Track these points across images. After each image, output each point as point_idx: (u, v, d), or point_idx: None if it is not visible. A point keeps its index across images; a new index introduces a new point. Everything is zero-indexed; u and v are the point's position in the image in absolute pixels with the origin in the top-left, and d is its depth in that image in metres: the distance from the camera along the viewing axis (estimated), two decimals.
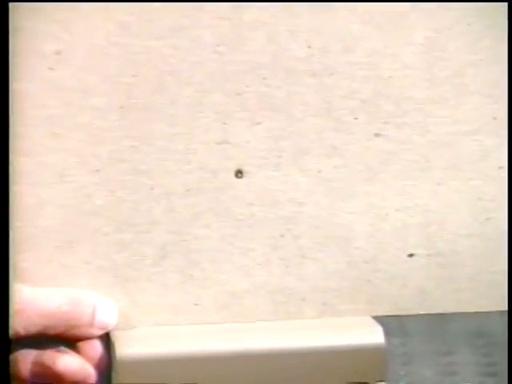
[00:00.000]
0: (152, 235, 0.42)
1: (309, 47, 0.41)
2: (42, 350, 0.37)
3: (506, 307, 0.40)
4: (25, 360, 0.36)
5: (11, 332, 0.32)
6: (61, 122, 0.39)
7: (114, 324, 0.40)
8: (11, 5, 0.33)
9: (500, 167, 0.41)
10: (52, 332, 0.37)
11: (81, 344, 0.39)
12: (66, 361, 0.37)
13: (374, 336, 0.41)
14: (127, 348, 0.39)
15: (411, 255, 0.44)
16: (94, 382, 0.38)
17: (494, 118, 0.41)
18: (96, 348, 0.39)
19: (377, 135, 0.43)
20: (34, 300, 0.36)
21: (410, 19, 0.40)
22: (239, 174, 0.43)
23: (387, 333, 0.40)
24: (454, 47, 0.41)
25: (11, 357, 0.34)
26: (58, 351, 0.38)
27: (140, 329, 0.41)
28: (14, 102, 0.34)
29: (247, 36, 0.40)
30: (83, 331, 0.38)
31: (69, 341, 0.39)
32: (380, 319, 0.42)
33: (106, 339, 0.40)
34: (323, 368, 0.40)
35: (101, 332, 0.39)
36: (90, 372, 0.38)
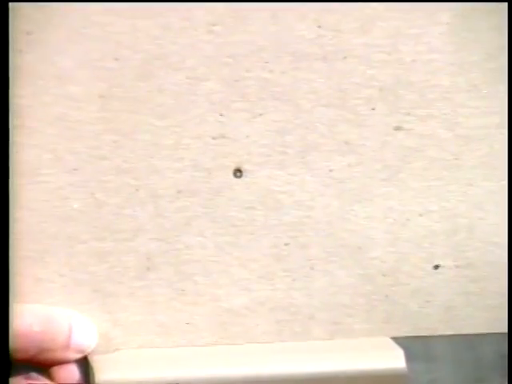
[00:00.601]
0: (137, 243, 0.42)
1: (319, 27, 0.40)
2: (10, 377, 0.36)
3: None
4: None
5: None
6: (32, 113, 0.38)
7: (92, 346, 0.39)
8: (11, 5, 0.34)
9: None
10: (21, 355, 0.36)
11: (55, 369, 0.38)
12: None
13: (394, 360, 0.40)
14: (108, 374, 0.38)
15: (437, 267, 0.44)
16: None
17: None
18: (72, 374, 0.38)
19: (397, 129, 0.43)
20: None
21: None
22: (238, 173, 0.42)
23: (409, 357, 0.40)
24: (486, 27, 0.40)
25: None
26: (28, 378, 0.37)
27: (123, 352, 0.41)
28: None
29: (247, 14, 0.39)
30: (57, 354, 0.37)
31: (41, 366, 0.38)
32: (401, 341, 0.42)
33: (84, 364, 0.39)
34: None
35: (78, 356, 0.38)
36: None
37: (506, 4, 0.38)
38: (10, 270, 0.34)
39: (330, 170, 0.43)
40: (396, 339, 0.42)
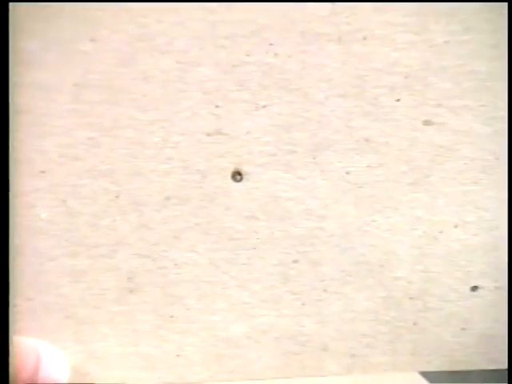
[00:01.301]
0: (116, 260, 0.41)
1: (332, 2, 0.40)
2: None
3: None
4: None
5: None
6: None
7: (64, 381, 0.39)
8: (11, 5, 0.35)
9: None
10: None
11: None
12: None
13: None
14: None
15: (474, 288, 0.42)
16: None
17: None
18: None
19: (426, 123, 0.42)
20: None
21: None
22: (237, 176, 0.42)
23: None
24: None
25: None
26: None
27: None
28: None
29: None
30: None
31: None
32: (431, 376, 0.44)
33: None
34: None
35: None
36: None
37: (505, 4, 0.38)
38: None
39: (347, 173, 0.42)
40: (425, 374, 0.44)
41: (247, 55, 0.40)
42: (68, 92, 0.39)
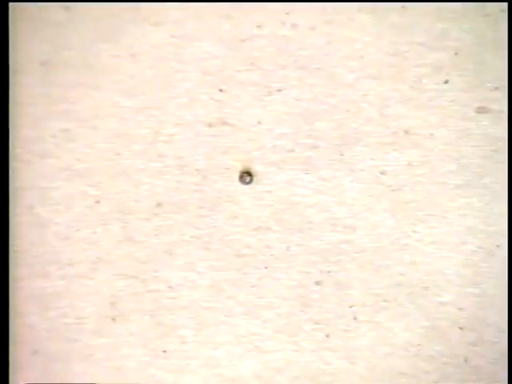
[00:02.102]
0: (97, 282, 0.41)
1: None
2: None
3: None
4: None
5: None
6: None
7: None
8: (11, 5, 0.37)
9: None
10: None
11: None
12: None
13: None
14: None
15: None
16: None
17: None
18: None
19: (480, 111, 0.41)
20: None
21: None
22: (245, 177, 0.42)
23: None
24: None
25: None
26: None
27: None
28: None
29: None
30: None
31: None
32: None
33: None
34: None
35: None
36: None
37: (505, 4, 0.39)
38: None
39: (382, 173, 0.42)
40: None
41: (258, 27, 0.41)
42: (35, 72, 0.40)
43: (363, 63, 0.41)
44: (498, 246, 0.42)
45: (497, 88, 0.41)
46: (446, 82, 0.41)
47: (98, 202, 0.41)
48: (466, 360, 0.42)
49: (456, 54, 0.41)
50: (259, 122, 0.41)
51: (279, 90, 0.41)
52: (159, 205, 0.42)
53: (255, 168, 0.42)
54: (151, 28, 0.40)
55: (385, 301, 0.42)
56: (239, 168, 0.42)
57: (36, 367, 0.41)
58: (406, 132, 0.41)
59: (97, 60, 0.40)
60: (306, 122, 0.42)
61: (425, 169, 0.42)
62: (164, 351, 0.41)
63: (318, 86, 0.41)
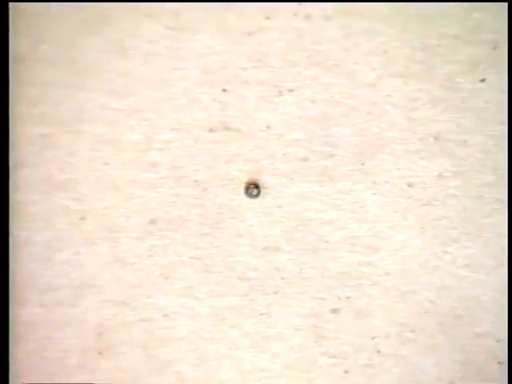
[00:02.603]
0: (81, 310, 0.41)
1: None
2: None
3: None
4: None
5: None
6: None
7: None
8: (11, 5, 0.37)
9: None
10: None
11: None
12: None
13: None
14: None
15: None
16: None
17: None
18: None
19: None
20: None
21: None
22: (252, 189, 0.41)
23: None
24: None
25: None
26: None
27: None
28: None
29: None
30: None
31: None
32: None
33: None
34: None
35: None
36: None
37: (505, 4, 0.40)
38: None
39: (409, 185, 0.41)
40: None
41: (266, 18, 0.40)
42: (11, 67, 0.39)
43: (387, 59, 0.40)
44: None
45: None
46: (483, 80, 0.40)
47: (82, 218, 0.41)
48: None
49: (494, 48, 0.40)
50: (268, 127, 0.41)
51: (291, 90, 0.41)
52: (153, 222, 0.41)
53: (263, 179, 0.41)
54: (144, 19, 0.39)
55: (412, 331, 0.42)
56: (245, 179, 0.41)
57: None
58: (436, 138, 0.41)
59: (81, 56, 0.40)
60: (322, 126, 0.41)
61: (458, 180, 0.41)
62: None
63: (335, 85, 0.41)
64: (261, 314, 0.41)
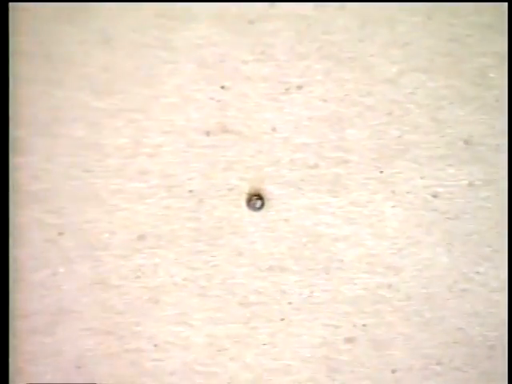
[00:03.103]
0: (59, 338, 0.39)
1: None
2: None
3: None
4: None
5: None
6: None
7: None
8: (11, 5, 0.37)
9: None
10: None
11: None
12: None
13: None
14: None
15: None
16: None
17: None
18: None
19: None
20: None
21: None
22: (255, 200, 0.39)
23: None
24: None
25: None
26: None
27: None
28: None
29: None
30: None
31: None
32: None
33: None
34: None
35: None
36: None
37: (505, 4, 0.40)
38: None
39: (434, 195, 0.40)
40: None
41: (271, 5, 0.38)
42: None
43: (409, 52, 0.39)
44: None
45: None
46: None
47: (60, 233, 0.39)
48: None
49: None
50: (273, 129, 0.39)
51: (299, 87, 0.39)
52: (141, 237, 0.39)
53: (267, 189, 0.40)
54: (130, 5, 0.38)
55: (438, 364, 0.40)
56: (246, 189, 0.40)
57: None
58: (466, 142, 0.40)
59: (58, 48, 0.38)
60: (334, 128, 0.40)
61: (490, 190, 0.40)
62: None
63: (350, 81, 0.39)
64: (264, 344, 0.40)
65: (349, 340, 0.40)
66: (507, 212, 0.41)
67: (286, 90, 0.39)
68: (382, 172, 0.40)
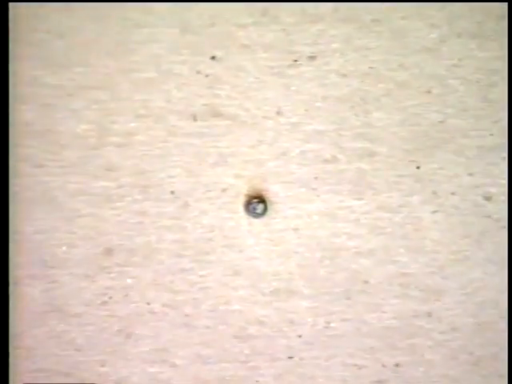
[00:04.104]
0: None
1: None
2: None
3: None
4: None
5: None
6: None
7: None
8: (11, 5, 0.36)
9: None
10: None
11: None
12: None
13: None
14: None
15: None
16: None
17: None
18: None
19: None
20: None
21: None
22: (255, 203, 0.35)
23: None
24: None
25: None
26: None
27: None
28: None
29: None
30: None
31: None
32: None
33: None
34: None
35: None
36: None
37: (505, 4, 0.37)
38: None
39: (486, 198, 0.36)
40: None
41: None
42: None
43: (452, 13, 0.35)
44: None
45: None
46: None
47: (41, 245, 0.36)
48: None
49: None
50: (278, 113, 0.35)
51: (311, 58, 0.35)
52: (108, 252, 0.35)
53: (271, 190, 0.36)
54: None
55: None
56: (244, 190, 0.36)
57: None
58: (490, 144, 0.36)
59: (22, 34, 0.35)
60: (356, 111, 0.35)
61: None
62: None
63: (376, 50, 0.35)
64: (266, 379, 0.36)
65: (378, 383, 0.36)
66: (507, 211, 0.37)
67: (294, 61, 0.35)
68: (418, 168, 0.36)
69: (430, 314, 0.36)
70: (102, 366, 0.36)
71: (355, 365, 0.37)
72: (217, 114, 0.35)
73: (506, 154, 0.36)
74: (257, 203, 0.36)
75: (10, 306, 0.36)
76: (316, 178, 0.35)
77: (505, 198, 0.36)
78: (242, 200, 0.36)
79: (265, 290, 0.36)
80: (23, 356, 0.36)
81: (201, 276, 0.36)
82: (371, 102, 0.36)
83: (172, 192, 0.35)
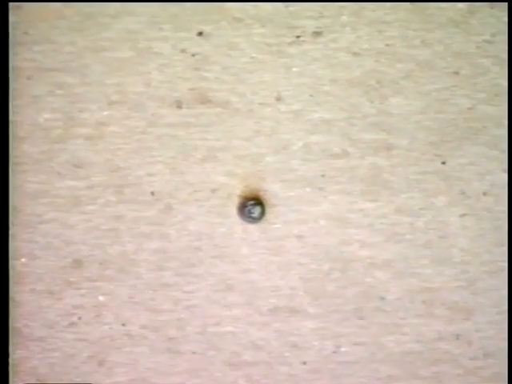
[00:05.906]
0: None
1: None
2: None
3: None
4: None
5: None
6: None
7: None
8: (11, 5, 0.35)
9: None
10: None
11: None
12: None
13: None
14: None
15: None
16: None
17: None
18: None
19: None
20: None
21: None
22: (251, 207, 0.33)
23: None
24: None
25: None
26: None
27: None
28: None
29: None
30: None
31: None
32: None
33: None
34: None
35: None
36: None
37: (505, 4, 0.35)
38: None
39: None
40: None
41: None
42: None
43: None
44: None
45: None
46: None
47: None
48: None
49: None
50: (277, 99, 0.33)
51: (316, 34, 0.32)
52: (77, 264, 0.32)
53: (269, 190, 0.33)
54: None
55: None
56: (238, 191, 0.33)
57: None
58: None
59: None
60: (370, 97, 0.32)
61: None
62: None
63: (393, 25, 0.32)
64: None
65: None
66: (507, 212, 0.35)
67: (297, 38, 0.33)
68: (444, 163, 0.33)
69: (458, 337, 0.33)
70: None
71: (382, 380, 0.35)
72: (205, 101, 0.33)
73: None
74: (253, 206, 0.33)
75: None
76: (323, 175, 0.33)
77: None
78: (236, 202, 0.34)
79: (262, 308, 0.33)
80: None
81: (186, 292, 0.33)
82: (388, 86, 0.33)
83: (152, 193, 0.33)
